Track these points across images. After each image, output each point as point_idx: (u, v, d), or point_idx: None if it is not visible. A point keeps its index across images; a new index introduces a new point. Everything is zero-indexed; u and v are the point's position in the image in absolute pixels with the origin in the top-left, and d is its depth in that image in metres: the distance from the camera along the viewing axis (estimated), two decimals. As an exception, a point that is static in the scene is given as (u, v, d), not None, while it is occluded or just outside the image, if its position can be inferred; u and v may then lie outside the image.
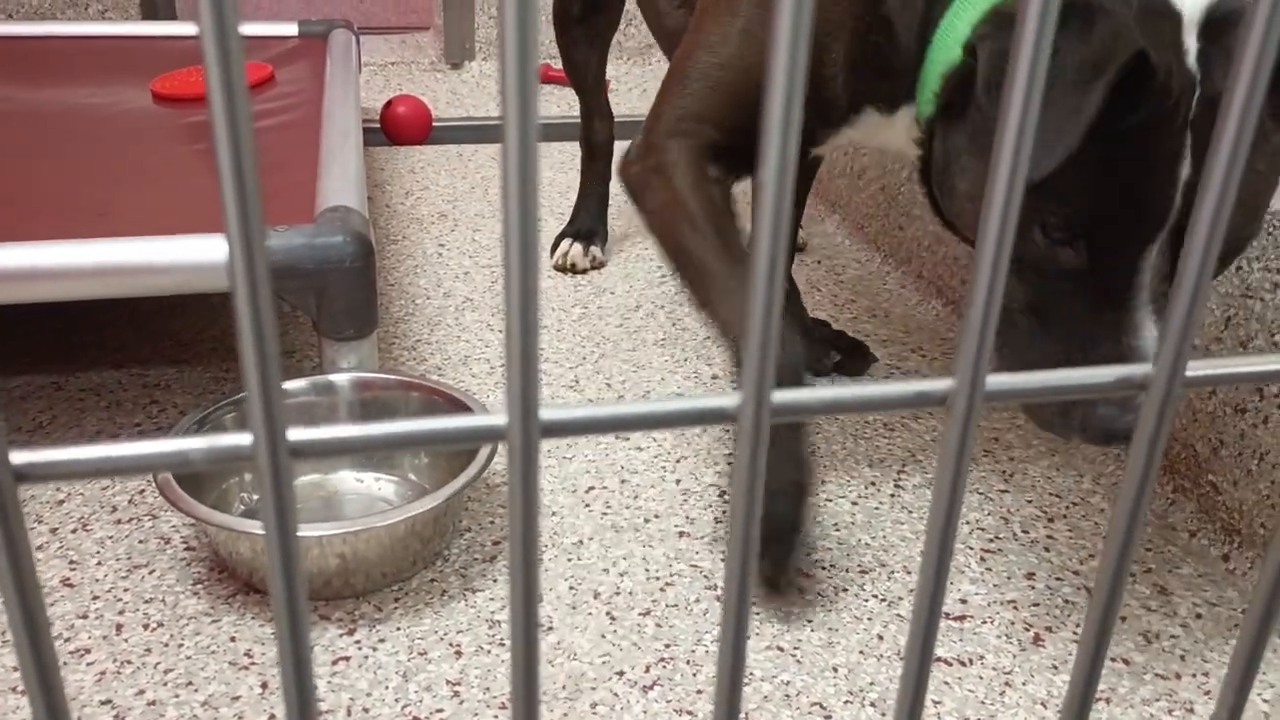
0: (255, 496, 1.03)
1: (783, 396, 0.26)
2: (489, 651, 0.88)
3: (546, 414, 0.25)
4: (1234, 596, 0.97)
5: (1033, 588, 0.98)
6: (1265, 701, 0.85)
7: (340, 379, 1.09)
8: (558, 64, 2.67)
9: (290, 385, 1.08)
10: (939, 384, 0.27)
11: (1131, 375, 0.28)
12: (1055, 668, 0.88)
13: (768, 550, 0.91)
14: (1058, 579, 0.99)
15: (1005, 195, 0.24)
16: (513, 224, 0.23)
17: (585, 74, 1.65)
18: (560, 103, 2.55)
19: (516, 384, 0.24)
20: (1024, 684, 0.87)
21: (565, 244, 1.64)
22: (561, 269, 1.63)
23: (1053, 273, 0.76)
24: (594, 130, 1.69)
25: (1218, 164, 0.26)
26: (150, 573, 0.96)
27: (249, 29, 1.99)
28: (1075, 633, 0.92)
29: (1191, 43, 0.71)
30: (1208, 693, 0.86)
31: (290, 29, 2.00)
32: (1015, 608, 0.95)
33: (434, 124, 2.25)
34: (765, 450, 0.26)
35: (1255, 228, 0.76)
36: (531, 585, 0.26)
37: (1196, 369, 0.29)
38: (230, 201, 0.22)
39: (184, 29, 2.01)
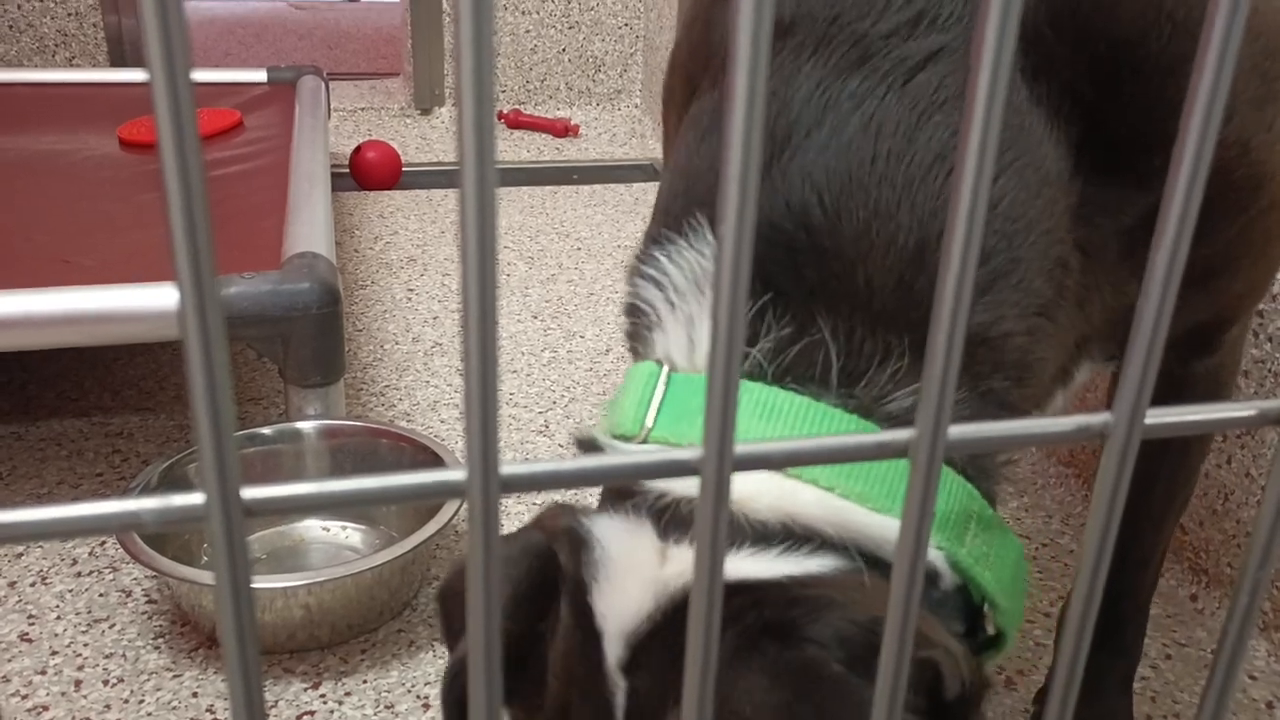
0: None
1: (745, 448, 0.26)
2: None
3: (507, 469, 0.25)
4: (1203, 636, 0.97)
5: (1004, 630, 0.98)
6: (1237, 742, 0.85)
7: (307, 426, 1.08)
8: (529, 109, 2.69)
9: (256, 433, 1.07)
10: (900, 434, 0.27)
11: (1091, 424, 0.28)
12: (1028, 710, 0.88)
13: None
14: (1029, 621, 0.99)
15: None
16: (471, 272, 0.23)
17: None
18: (530, 147, 2.57)
19: (476, 438, 0.24)
20: (997, 728, 0.86)
21: None
22: None
23: None
24: None
25: (1177, 192, 0.26)
26: (111, 627, 0.94)
27: (218, 75, 2.00)
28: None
29: (619, 678, 0.50)
30: (1180, 734, 0.86)
31: (259, 75, 2.00)
32: (987, 651, 0.95)
33: (403, 169, 2.25)
34: (728, 498, 0.26)
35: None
36: (493, 644, 0.26)
37: (1155, 416, 0.29)
38: (181, 250, 0.22)
39: (152, 76, 2.00)
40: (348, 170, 2.19)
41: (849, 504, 0.49)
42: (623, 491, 0.53)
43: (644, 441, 0.52)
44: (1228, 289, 0.64)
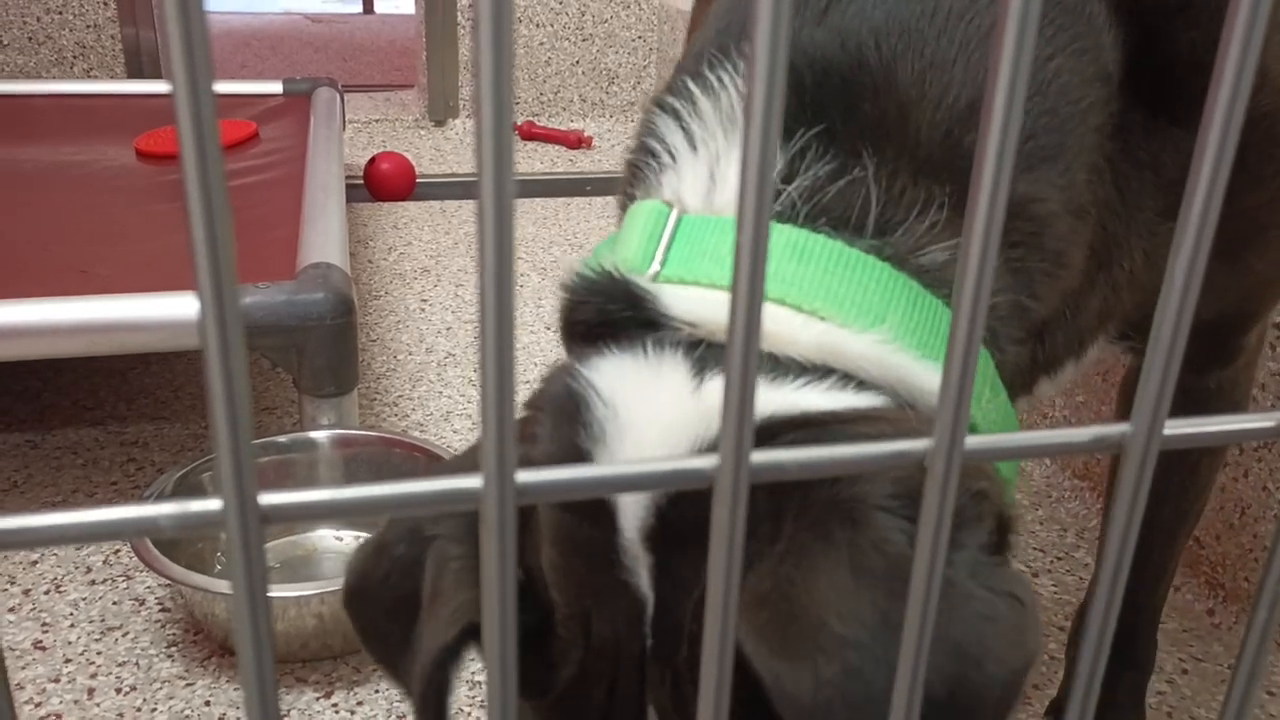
0: (233, 556, 1.01)
1: (760, 457, 0.26)
2: (469, 714, 0.87)
3: (523, 477, 0.25)
4: (1220, 651, 0.97)
5: (1018, 644, 0.97)
6: (1254, 759, 0.84)
7: (320, 436, 1.08)
8: (542, 121, 2.70)
9: (271, 441, 1.07)
10: (917, 444, 0.27)
11: (1109, 434, 0.28)
12: (1043, 726, 0.87)
13: None
14: (1044, 635, 0.98)
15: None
16: (488, 281, 0.23)
17: None
18: (544, 158, 2.57)
19: (491, 445, 0.24)
20: (1011, 743, 0.86)
21: None
22: None
23: None
24: None
25: (1196, 197, 0.26)
26: (124, 635, 0.95)
27: (234, 87, 2.01)
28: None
29: (640, 553, 0.43)
30: (1196, 750, 0.85)
31: (275, 87, 2.01)
32: (1001, 665, 0.94)
33: (417, 180, 2.26)
34: (744, 511, 0.26)
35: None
36: (509, 655, 0.26)
37: (1174, 428, 0.29)
38: (202, 261, 0.22)
39: (168, 87, 2.02)
40: (362, 181, 2.20)
41: (891, 348, 0.46)
42: (623, 325, 0.48)
43: (654, 280, 0.48)
44: (1252, 266, 0.61)
